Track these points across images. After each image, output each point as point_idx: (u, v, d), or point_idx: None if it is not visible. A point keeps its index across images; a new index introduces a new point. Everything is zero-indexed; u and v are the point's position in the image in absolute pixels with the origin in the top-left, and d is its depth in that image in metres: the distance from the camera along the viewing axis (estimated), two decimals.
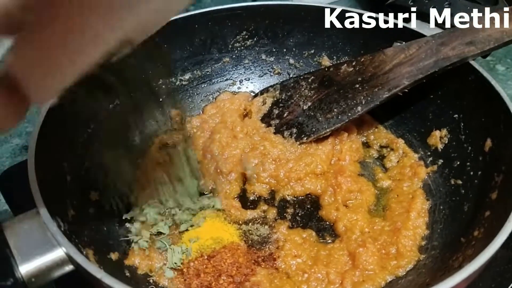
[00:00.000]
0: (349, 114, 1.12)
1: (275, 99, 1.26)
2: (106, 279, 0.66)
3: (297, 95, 1.22)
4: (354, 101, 1.11)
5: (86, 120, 1.07)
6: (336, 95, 1.16)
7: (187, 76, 1.31)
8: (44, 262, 0.73)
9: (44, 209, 0.76)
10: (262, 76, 1.36)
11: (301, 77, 1.24)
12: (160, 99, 1.28)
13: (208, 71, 1.33)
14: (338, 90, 1.16)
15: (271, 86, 1.29)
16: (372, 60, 1.13)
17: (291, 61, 1.34)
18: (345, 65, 1.17)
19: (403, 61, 1.07)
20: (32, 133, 0.90)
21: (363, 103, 1.10)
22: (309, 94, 1.20)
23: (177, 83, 1.30)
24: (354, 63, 1.15)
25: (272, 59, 1.35)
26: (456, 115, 1.08)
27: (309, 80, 1.22)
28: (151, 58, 0.84)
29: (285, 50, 1.34)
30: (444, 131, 1.11)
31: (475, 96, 1.04)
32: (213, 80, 1.34)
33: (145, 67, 0.92)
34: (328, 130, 1.13)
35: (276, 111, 1.24)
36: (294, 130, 1.18)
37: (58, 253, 0.74)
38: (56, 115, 0.96)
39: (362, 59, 1.14)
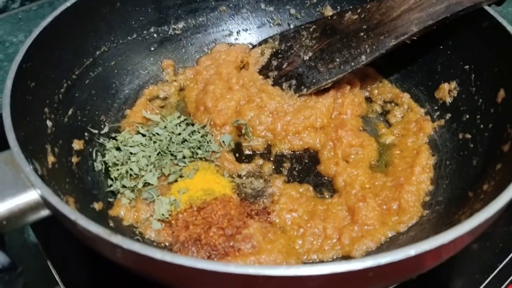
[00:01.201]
0: (352, 63, 1.04)
1: (274, 50, 1.19)
2: (81, 221, 0.61)
3: (298, 45, 1.15)
4: (358, 50, 1.04)
5: (70, 65, 1.01)
6: (339, 44, 1.08)
7: (180, 25, 1.23)
8: (16, 204, 0.67)
9: (17, 149, 0.70)
10: (260, 27, 1.28)
11: (302, 27, 1.16)
12: (151, 48, 1.22)
13: (203, 20, 1.25)
14: (341, 39, 1.08)
15: (270, 37, 1.21)
16: (379, 7, 1.05)
17: (292, 11, 1.26)
18: (350, 12, 1.09)
19: (412, 7, 0.99)
20: (9, 69, 0.82)
21: (368, 52, 1.03)
22: (310, 44, 1.13)
23: (169, 32, 1.22)
24: (359, 10, 1.07)
25: (271, 8, 1.27)
26: (467, 66, 1.01)
27: (311, 30, 1.14)
28: None
29: None
30: (453, 84, 1.04)
31: (488, 44, 0.96)
32: (208, 30, 1.26)
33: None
34: (329, 81, 1.06)
35: (275, 63, 1.16)
36: (293, 82, 1.10)
37: (32, 195, 0.68)
38: (38, 55, 0.90)
39: (368, 6, 1.06)
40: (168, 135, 0.99)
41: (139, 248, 0.57)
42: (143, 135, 1.00)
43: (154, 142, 0.99)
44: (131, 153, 0.95)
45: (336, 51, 1.07)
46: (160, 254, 0.56)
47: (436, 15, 0.96)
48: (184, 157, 0.97)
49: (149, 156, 0.96)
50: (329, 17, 1.13)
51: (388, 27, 1.01)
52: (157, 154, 0.96)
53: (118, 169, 0.94)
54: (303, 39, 1.14)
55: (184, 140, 0.99)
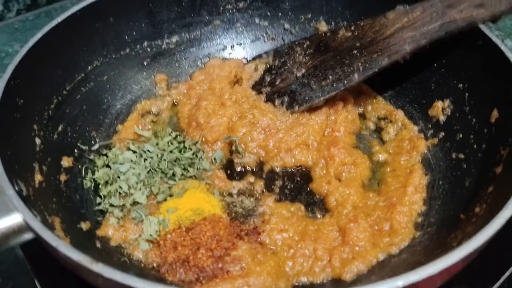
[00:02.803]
0: (345, 81, 1.03)
1: (268, 65, 1.18)
2: (62, 247, 0.60)
3: (291, 62, 1.14)
4: (351, 68, 1.03)
5: (61, 81, 1.00)
6: (332, 61, 1.07)
7: (174, 39, 1.22)
8: None
9: (1, 170, 0.69)
10: (255, 42, 1.27)
11: (296, 43, 1.16)
12: (145, 63, 1.21)
13: (197, 35, 1.24)
14: (334, 56, 1.07)
15: (264, 53, 1.21)
16: (372, 25, 1.04)
17: (286, 26, 1.26)
18: (343, 30, 1.08)
19: (406, 25, 0.98)
20: None
21: (361, 70, 1.02)
22: (304, 60, 1.12)
23: (163, 47, 1.21)
24: (353, 28, 1.07)
25: (266, 23, 1.26)
26: (461, 85, 1.00)
27: (304, 46, 1.13)
28: None
29: (280, 14, 1.25)
30: (447, 102, 1.03)
31: (482, 63, 0.95)
32: (202, 45, 1.25)
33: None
34: (322, 98, 1.05)
35: (268, 78, 1.15)
36: (286, 98, 1.10)
37: (15, 219, 0.67)
38: (28, 71, 0.89)
39: (362, 24, 1.06)
40: (160, 153, 0.98)
41: (120, 278, 0.55)
42: (134, 152, 0.99)
43: (145, 159, 0.98)
44: (120, 171, 0.94)
45: (329, 68, 1.07)
46: (142, 284, 0.54)
47: (430, 34, 0.95)
48: (174, 175, 0.96)
49: (139, 174, 0.95)
50: (323, 34, 1.12)
51: (381, 45, 1.01)
52: (147, 172, 0.95)
53: (107, 187, 0.93)
54: (297, 55, 1.13)
55: (176, 158, 0.98)
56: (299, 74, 1.11)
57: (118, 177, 0.94)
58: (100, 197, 0.93)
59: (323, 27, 1.22)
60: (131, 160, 0.97)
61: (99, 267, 0.57)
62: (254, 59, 1.22)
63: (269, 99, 1.12)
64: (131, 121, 1.10)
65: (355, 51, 1.04)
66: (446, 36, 0.94)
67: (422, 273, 0.58)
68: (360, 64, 1.02)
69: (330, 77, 1.05)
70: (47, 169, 0.88)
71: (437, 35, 0.94)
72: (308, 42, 1.14)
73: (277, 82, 1.13)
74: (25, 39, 1.49)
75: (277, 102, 1.10)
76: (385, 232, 0.88)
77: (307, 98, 1.07)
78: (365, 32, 1.04)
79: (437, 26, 0.94)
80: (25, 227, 0.67)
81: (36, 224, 0.63)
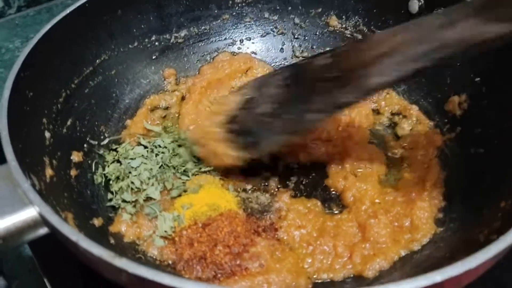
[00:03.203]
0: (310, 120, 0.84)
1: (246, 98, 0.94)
2: (83, 242, 0.57)
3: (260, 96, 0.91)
4: (323, 104, 0.81)
5: (69, 74, 0.97)
6: (303, 95, 0.84)
7: (182, 33, 1.19)
8: (14, 222, 0.63)
9: (15, 163, 0.66)
10: (264, 36, 1.25)
11: (272, 74, 1.03)
12: (153, 57, 1.18)
13: (205, 29, 1.22)
14: (306, 89, 0.84)
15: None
16: (350, 52, 0.81)
17: (296, 20, 1.23)
18: (320, 57, 0.85)
19: (388, 51, 0.73)
20: (6, 77, 0.78)
21: (342, 100, 0.80)
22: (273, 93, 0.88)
23: (171, 40, 1.18)
24: (330, 55, 0.83)
25: (275, 17, 1.24)
26: (478, 78, 0.98)
27: (279, 77, 0.90)
28: None
29: (290, 8, 1.22)
30: (464, 96, 1.01)
31: (501, 55, 0.93)
32: (211, 39, 1.23)
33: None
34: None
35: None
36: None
37: (30, 213, 0.64)
38: (37, 63, 0.86)
39: (340, 50, 0.86)
40: (171, 147, 0.95)
41: (145, 273, 0.53)
42: (145, 147, 0.97)
43: (156, 154, 0.95)
44: (132, 166, 0.91)
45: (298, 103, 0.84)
46: (169, 279, 0.52)
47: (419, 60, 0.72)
48: (186, 171, 0.93)
49: (151, 169, 0.92)
50: (300, 63, 0.96)
51: (363, 72, 0.76)
52: (159, 167, 0.93)
53: (118, 183, 0.90)
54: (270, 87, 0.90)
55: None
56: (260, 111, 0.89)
57: (130, 172, 0.91)
58: (112, 192, 0.90)
59: (334, 21, 1.21)
60: (142, 155, 0.94)
61: (122, 262, 0.55)
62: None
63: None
64: (140, 116, 1.07)
65: (330, 83, 0.80)
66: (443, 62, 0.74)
67: (460, 268, 0.56)
68: (342, 94, 0.79)
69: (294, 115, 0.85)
70: (57, 163, 0.85)
71: (422, 64, 0.72)
72: (284, 72, 0.91)
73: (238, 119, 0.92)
74: (26, 35, 1.46)
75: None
76: (406, 228, 0.86)
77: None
78: (344, 60, 0.80)
79: (421, 53, 0.71)
80: (40, 222, 0.64)
81: (54, 218, 0.60)
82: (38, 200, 0.63)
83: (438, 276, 0.53)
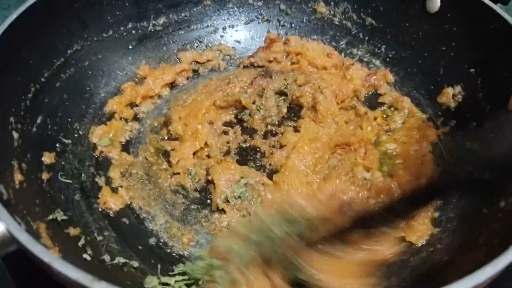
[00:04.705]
0: None
1: None
2: (57, 263, 0.51)
3: None
4: None
5: (38, 67, 0.89)
6: None
7: (161, 21, 1.12)
8: None
9: None
10: (248, 23, 1.18)
11: None
12: (129, 46, 1.11)
13: (185, 16, 1.14)
14: None
15: None
16: None
17: (282, 6, 1.17)
18: None
19: None
20: None
21: None
22: None
23: (149, 28, 1.11)
24: None
25: (260, 3, 1.17)
26: (473, 70, 0.95)
27: None
28: None
29: None
30: (458, 88, 0.97)
31: (497, 47, 0.90)
32: (191, 26, 1.15)
33: None
34: None
35: None
36: None
37: None
38: (2, 56, 0.79)
39: None
40: None
41: None
42: None
43: None
44: None
45: None
46: None
47: None
48: None
49: None
50: None
51: None
52: None
53: None
54: None
55: None
56: None
57: None
58: (88, 197, 0.83)
59: (321, 8, 1.15)
60: None
61: (102, 286, 0.49)
62: None
63: None
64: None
65: None
66: None
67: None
68: None
69: None
70: (27, 166, 0.78)
71: None
72: None
73: None
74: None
75: None
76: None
77: None
78: None
79: None
80: (9, 238, 0.58)
81: (23, 236, 0.54)
82: (4, 214, 0.56)
83: None
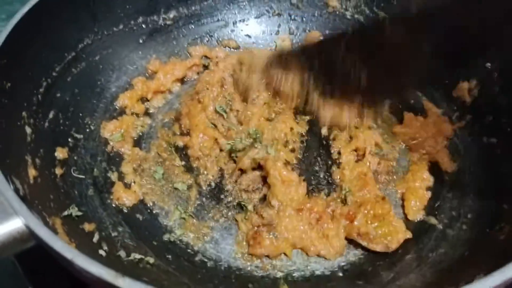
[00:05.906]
0: None
1: None
2: (79, 259, 0.50)
3: None
4: None
5: (49, 61, 0.88)
6: None
7: (171, 15, 1.10)
8: None
9: None
10: (259, 17, 1.17)
11: None
12: (140, 40, 1.09)
13: (196, 9, 1.13)
14: None
15: None
16: None
17: (293, 0, 1.16)
18: None
19: None
20: None
21: None
22: None
23: (159, 22, 1.09)
24: None
25: None
26: (489, 64, 0.93)
27: None
28: None
29: None
30: (474, 82, 0.96)
31: None
32: (202, 20, 1.14)
33: None
34: None
35: None
36: None
37: (15, 224, 0.56)
38: (14, 50, 0.77)
39: None
40: None
41: None
42: None
43: None
44: None
45: None
46: None
47: None
48: None
49: None
50: None
51: None
52: None
53: None
54: None
55: None
56: None
57: None
58: (101, 192, 0.82)
59: (333, 1, 1.13)
60: None
61: (126, 282, 0.48)
62: None
63: None
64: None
65: None
66: None
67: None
68: None
69: None
70: (40, 162, 0.77)
71: None
72: None
73: None
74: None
75: None
76: None
77: None
78: None
79: None
80: (27, 234, 0.57)
81: (43, 231, 0.53)
82: (23, 210, 0.55)
83: None
